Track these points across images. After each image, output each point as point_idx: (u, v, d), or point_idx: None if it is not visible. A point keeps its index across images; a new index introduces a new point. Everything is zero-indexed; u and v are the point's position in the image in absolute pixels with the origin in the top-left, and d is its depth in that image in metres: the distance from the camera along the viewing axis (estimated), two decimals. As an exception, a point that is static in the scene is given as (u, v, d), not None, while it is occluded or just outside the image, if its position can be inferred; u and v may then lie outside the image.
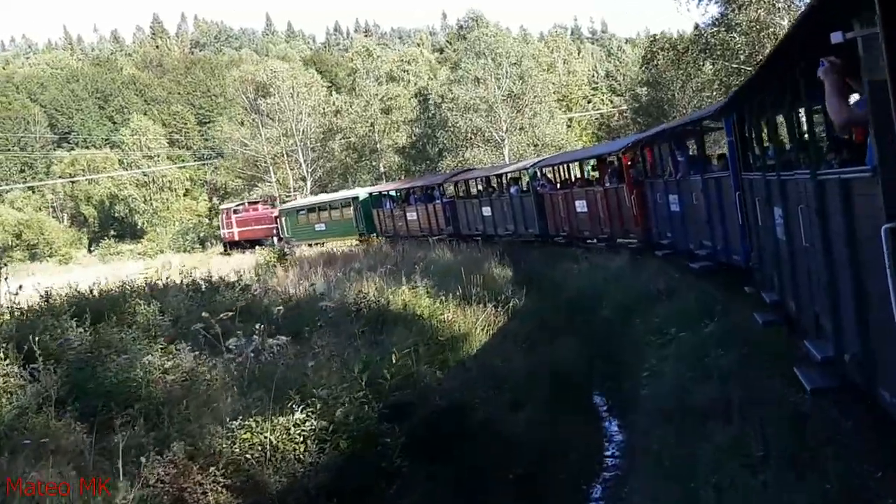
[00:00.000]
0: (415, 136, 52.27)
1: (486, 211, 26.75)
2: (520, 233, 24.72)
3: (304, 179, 56.66)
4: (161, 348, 9.25)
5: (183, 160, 77.36)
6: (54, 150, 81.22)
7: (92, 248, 64.58)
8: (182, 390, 8.51)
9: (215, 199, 69.21)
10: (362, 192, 38.25)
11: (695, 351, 9.27)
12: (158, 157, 70.38)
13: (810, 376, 6.10)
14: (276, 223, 44.98)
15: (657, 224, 15.82)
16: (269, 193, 56.14)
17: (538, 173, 24.05)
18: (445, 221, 29.40)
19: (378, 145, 53.31)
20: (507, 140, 45.69)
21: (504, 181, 26.25)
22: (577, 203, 20.47)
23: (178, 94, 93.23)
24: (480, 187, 29.10)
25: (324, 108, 56.02)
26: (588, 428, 9.92)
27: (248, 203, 51.45)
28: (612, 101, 60.78)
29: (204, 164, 73.23)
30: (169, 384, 8.60)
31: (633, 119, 47.82)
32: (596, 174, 20.86)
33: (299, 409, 7.60)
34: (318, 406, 7.60)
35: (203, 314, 9.30)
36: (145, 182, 69.26)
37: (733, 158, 10.53)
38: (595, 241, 20.04)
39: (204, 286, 14.86)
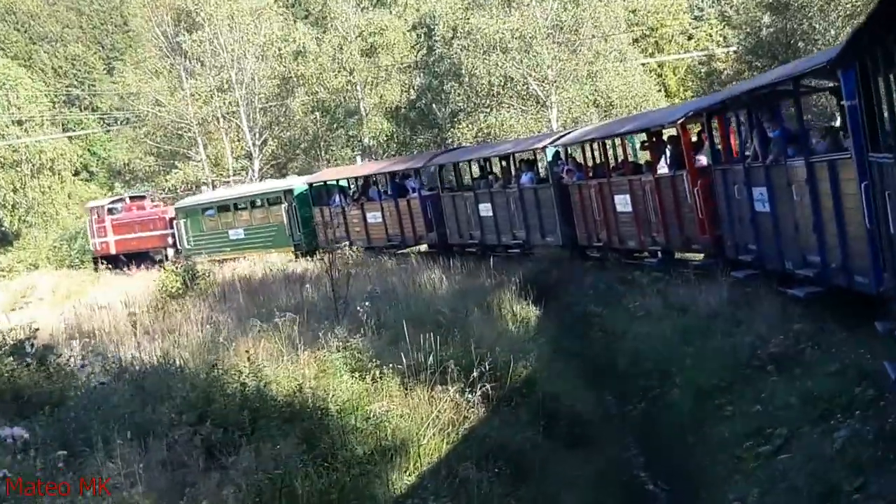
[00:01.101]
0: (415, 90, 50.61)
1: (485, 209, 26.82)
2: (533, 242, 24.81)
3: (249, 157, 55.30)
4: None
5: (83, 126, 75.30)
6: None
7: (-64, 262, 63.21)
8: None
9: (118, 186, 67.32)
10: (299, 183, 38.25)
11: (811, 479, 8.55)
12: (35, 120, 68.03)
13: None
14: (173, 228, 44.74)
15: (733, 231, 16.09)
16: (194, 179, 54.69)
17: (562, 153, 23.85)
18: (426, 225, 29.55)
19: (361, 104, 51.51)
20: (554, 96, 43.48)
21: (512, 165, 26.16)
22: (618, 199, 20.59)
23: (80, 28, 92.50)
24: (476, 173, 29.04)
25: (279, 49, 54.19)
26: None
27: (130, 198, 50.95)
28: (724, 38, 57.95)
29: (112, 134, 71.99)
30: None
31: (748, 62, 45.31)
32: (648, 154, 21.19)
33: None
34: None
35: None
36: (16, 161, 66.70)
37: (857, 132, 10.44)
38: (645, 255, 20.29)
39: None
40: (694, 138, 19.03)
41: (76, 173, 73.40)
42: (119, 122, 68.40)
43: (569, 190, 23.30)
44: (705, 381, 12.55)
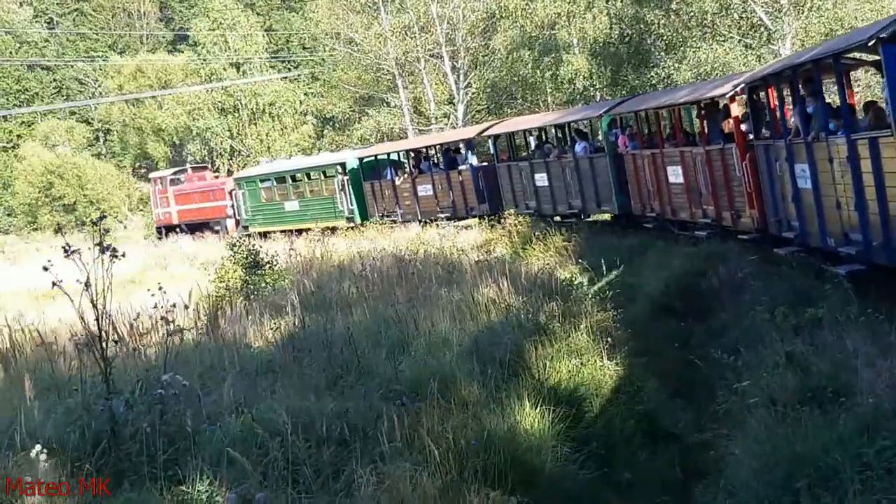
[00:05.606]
0: (623, 22, 42.59)
1: (541, 179, 27.22)
2: (589, 211, 25.46)
3: (451, 102, 49.88)
4: None
5: (296, 64, 70.11)
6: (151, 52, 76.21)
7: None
8: None
9: (328, 132, 61.88)
10: (352, 158, 38.68)
11: None
12: (253, 63, 63.73)
13: None
14: (231, 199, 45.37)
15: (776, 207, 15.97)
16: (387, 128, 50.42)
17: (618, 122, 24.22)
18: (478, 196, 30.19)
19: (570, 35, 43.36)
20: (786, 26, 35.65)
21: (567, 135, 25.98)
22: (670, 170, 20.78)
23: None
24: (534, 143, 29.34)
25: (487, -21, 47.62)
26: None
27: (192, 169, 50.93)
28: None
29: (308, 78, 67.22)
30: None
31: None
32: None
33: None
34: None
35: None
36: (234, 106, 62.69)
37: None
38: (694, 225, 20.13)
39: None
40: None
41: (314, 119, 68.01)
42: (315, 64, 65.45)
43: (623, 160, 23.60)
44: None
